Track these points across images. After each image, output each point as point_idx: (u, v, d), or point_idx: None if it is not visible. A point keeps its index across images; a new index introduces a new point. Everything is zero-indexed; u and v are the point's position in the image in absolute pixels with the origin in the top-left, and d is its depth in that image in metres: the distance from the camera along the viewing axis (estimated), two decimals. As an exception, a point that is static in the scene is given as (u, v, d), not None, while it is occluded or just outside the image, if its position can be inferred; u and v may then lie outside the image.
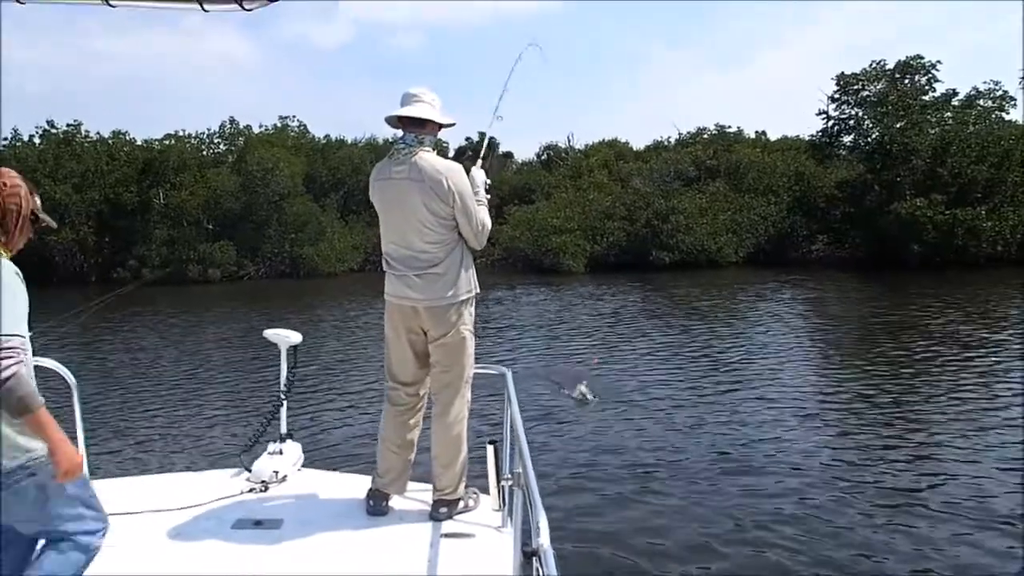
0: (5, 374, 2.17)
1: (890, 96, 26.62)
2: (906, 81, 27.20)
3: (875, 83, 27.49)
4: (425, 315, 3.23)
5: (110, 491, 3.47)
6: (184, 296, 24.14)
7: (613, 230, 28.22)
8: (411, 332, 3.30)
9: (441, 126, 3.36)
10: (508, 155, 39.74)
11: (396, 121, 3.32)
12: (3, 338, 2.20)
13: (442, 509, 3.24)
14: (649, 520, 5.56)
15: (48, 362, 3.63)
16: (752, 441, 7.43)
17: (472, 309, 3.34)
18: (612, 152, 37.33)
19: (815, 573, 4.66)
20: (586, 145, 39.64)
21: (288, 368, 3.93)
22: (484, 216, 3.31)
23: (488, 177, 3.48)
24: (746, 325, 15.03)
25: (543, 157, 39.78)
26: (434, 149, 3.30)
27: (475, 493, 3.40)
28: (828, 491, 6.06)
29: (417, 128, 3.27)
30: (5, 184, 2.41)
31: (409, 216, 3.19)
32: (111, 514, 3.19)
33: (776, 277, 22.85)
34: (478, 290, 3.33)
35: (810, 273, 24.11)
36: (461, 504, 3.30)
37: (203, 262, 28.58)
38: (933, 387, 9.35)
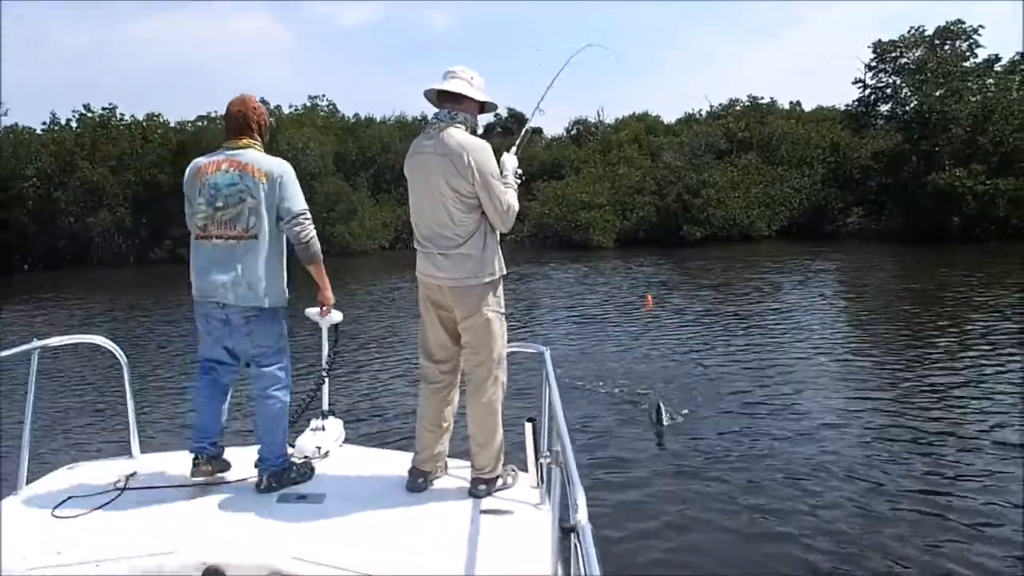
0: (306, 237, 3.31)
1: (929, 63, 25.82)
2: (946, 47, 26.33)
3: (913, 50, 26.66)
4: (450, 295, 3.24)
5: (159, 465, 3.61)
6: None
7: (643, 205, 27.96)
8: (440, 309, 3.31)
9: (480, 106, 3.34)
10: (537, 131, 39.48)
11: (435, 97, 3.33)
12: (303, 213, 3.31)
13: (481, 487, 3.27)
14: (682, 497, 5.58)
15: (99, 339, 3.76)
16: (789, 415, 7.40)
17: (500, 290, 3.32)
18: (643, 126, 36.90)
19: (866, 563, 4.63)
20: (616, 119, 39.28)
21: (330, 346, 4.01)
22: (511, 198, 3.26)
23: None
24: (781, 299, 14.86)
25: (573, 132, 39.42)
26: (468, 128, 3.26)
27: (513, 471, 3.42)
28: (867, 468, 6.02)
29: (453, 104, 3.26)
30: (256, 107, 3.37)
31: (434, 192, 3.19)
32: (161, 487, 3.33)
33: (810, 250, 22.50)
34: (504, 272, 3.31)
35: (845, 246, 23.71)
36: (499, 482, 3.32)
37: (237, 241, 28.96)
38: (980, 364, 9.20)
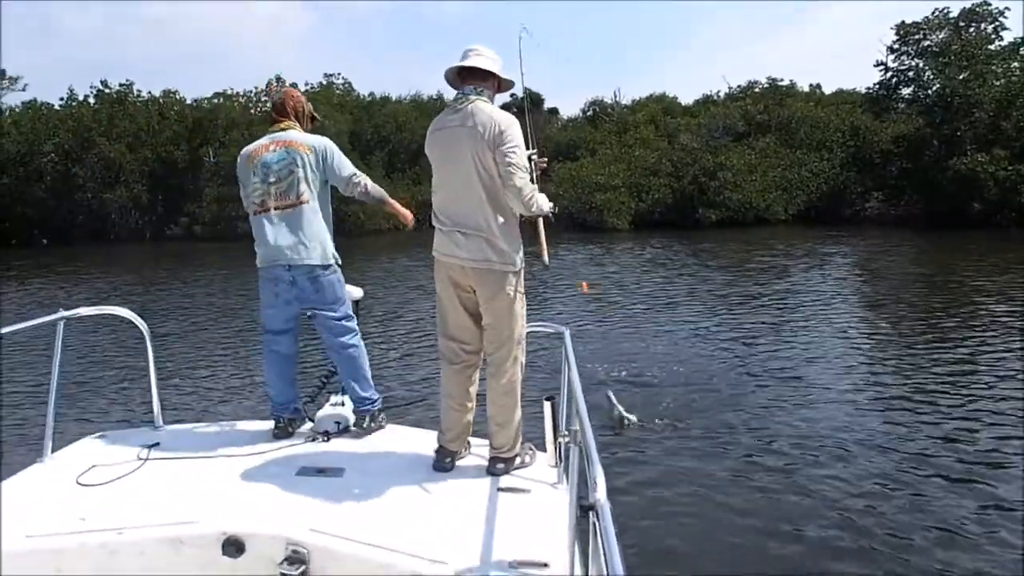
0: (365, 189, 3.80)
1: (953, 45, 25.41)
2: (971, 29, 25.88)
3: (937, 32, 26.26)
4: (473, 275, 3.21)
5: (181, 436, 3.66)
6: (242, 251, 24.67)
7: (658, 187, 27.78)
8: (460, 289, 3.29)
9: (500, 84, 3.34)
10: (553, 111, 39.27)
11: (455, 77, 3.31)
12: (354, 174, 3.78)
13: (499, 465, 3.28)
14: (697, 475, 5.59)
15: (123, 311, 3.80)
16: (805, 396, 7.38)
17: (521, 273, 3.31)
18: (660, 107, 36.61)
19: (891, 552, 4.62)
20: (633, 100, 38.96)
21: None
22: (535, 191, 3.23)
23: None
24: (796, 283, 14.77)
25: (589, 113, 39.17)
26: (492, 103, 3.26)
27: (531, 449, 3.43)
28: (884, 455, 6.00)
29: (477, 81, 3.25)
30: (294, 95, 3.86)
31: (459, 168, 3.16)
32: (183, 458, 3.38)
33: (827, 235, 22.29)
34: (523, 260, 3.29)
35: (863, 231, 23.48)
36: (518, 460, 3.33)
37: (253, 220, 29.10)
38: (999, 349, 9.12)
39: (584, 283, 9.98)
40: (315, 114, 3.94)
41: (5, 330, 3.26)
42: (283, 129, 3.74)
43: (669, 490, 5.36)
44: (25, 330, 3.38)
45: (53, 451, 3.44)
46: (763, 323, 11.09)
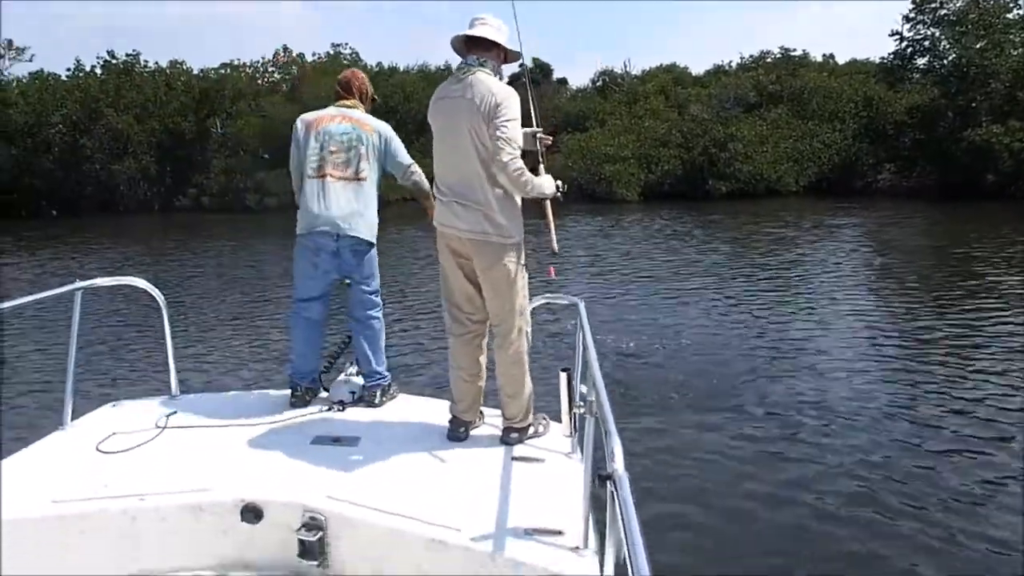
0: (421, 181, 3.88)
1: (970, 14, 24.94)
2: (989, -3, 25.42)
3: (954, 0, 25.75)
4: (470, 246, 3.20)
5: (198, 405, 3.70)
6: (250, 223, 24.69)
7: (668, 158, 27.57)
8: (460, 258, 3.27)
9: (506, 54, 3.30)
10: (562, 81, 38.89)
11: (461, 45, 3.26)
12: (412, 163, 3.93)
13: (512, 435, 3.30)
14: (712, 445, 5.61)
15: (140, 281, 3.83)
16: (815, 367, 7.38)
17: (520, 245, 3.27)
18: (670, 78, 36.17)
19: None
20: (643, 71, 38.50)
21: None
22: (524, 170, 3.12)
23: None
24: (807, 256, 14.68)
25: (598, 83, 38.74)
26: (495, 75, 3.22)
27: (544, 419, 3.45)
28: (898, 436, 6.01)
29: (481, 51, 3.21)
30: (360, 77, 3.99)
31: (458, 140, 3.13)
32: (200, 426, 3.42)
33: (839, 207, 22.12)
34: (522, 235, 3.25)
35: (875, 203, 23.28)
36: (531, 430, 3.35)
37: (260, 191, 29.08)
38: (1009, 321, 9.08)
39: (552, 268, 10.04)
40: (375, 96, 4.06)
41: (24, 300, 3.29)
42: (349, 106, 3.85)
43: (679, 458, 5.39)
44: (42, 300, 3.41)
45: (73, 418, 3.48)
46: (773, 295, 11.06)
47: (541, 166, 3.31)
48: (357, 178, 3.74)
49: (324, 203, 3.69)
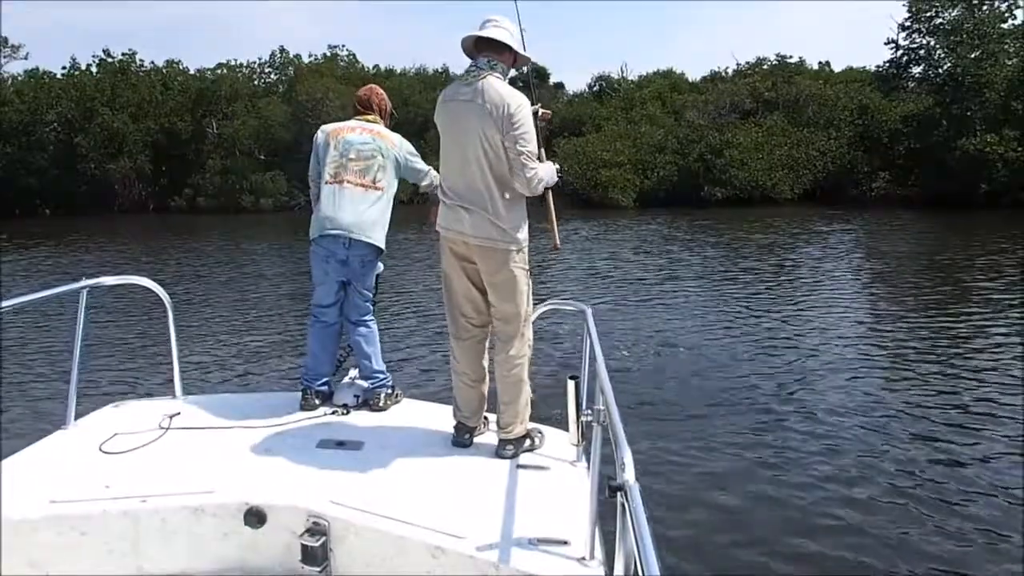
0: (437, 181, 3.71)
1: (966, 24, 25.03)
2: (984, 7, 25.47)
3: (950, 9, 25.82)
4: (475, 251, 3.17)
5: (201, 406, 3.67)
6: (246, 224, 24.61)
7: (664, 164, 27.62)
8: (465, 262, 3.24)
9: (516, 57, 3.25)
10: (559, 86, 38.91)
11: (471, 47, 3.22)
12: (429, 169, 4.01)
13: (507, 448, 3.23)
14: (721, 458, 5.56)
15: (145, 281, 3.81)
16: (818, 375, 7.40)
17: (525, 251, 3.24)
18: (667, 83, 36.28)
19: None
20: (640, 76, 38.58)
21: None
22: (540, 167, 3.15)
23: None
24: (800, 263, 14.72)
25: (595, 88, 38.79)
26: (505, 79, 3.18)
27: (540, 432, 3.38)
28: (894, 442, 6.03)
29: (492, 53, 3.16)
30: (380, 93, 4.11)
31: (467, 143, 3.10)
32: (203, 428, 3.40)
33: (833, 215, 22.18)
34: (528, 240, 3.22)
35: (869, 211, 23.35)
36: (527, 442, 3.28)
37: (255, 192, 29.00)
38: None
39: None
40: (395, 111, 4.21)
41: (30, 297, 3.27)
42: (370, 120, 3.98)
43: (680, 467, 5.37)
44: (45, 298, 3.39)
45: (76, 419, 3.46)
46: (766, 300, 11.09)
47: (543, 151, 3.24)
48: (375, 186, 3.82)
49: (340, 207, 3.74)
